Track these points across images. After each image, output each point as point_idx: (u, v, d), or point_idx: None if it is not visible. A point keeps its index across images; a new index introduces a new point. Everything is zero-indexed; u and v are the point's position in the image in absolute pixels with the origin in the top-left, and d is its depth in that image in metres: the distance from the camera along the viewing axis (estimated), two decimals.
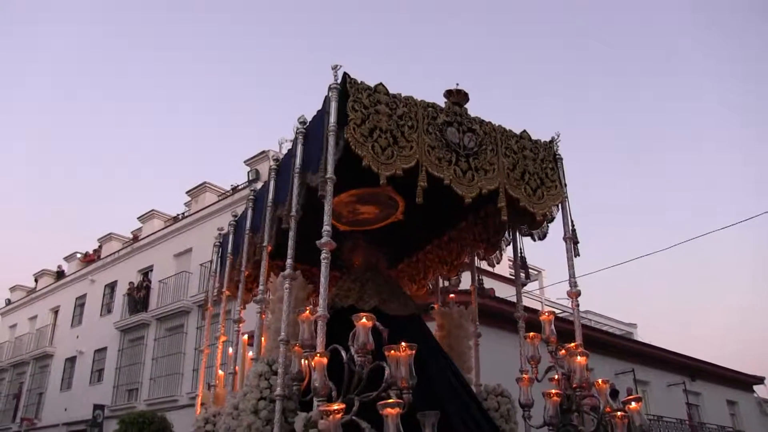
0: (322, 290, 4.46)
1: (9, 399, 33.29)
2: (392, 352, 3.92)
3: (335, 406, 3.58)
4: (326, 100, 5.20)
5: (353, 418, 3.87)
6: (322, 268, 4.57)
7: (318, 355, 3.92)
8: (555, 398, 5.33)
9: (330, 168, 4.78)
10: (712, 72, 78.78)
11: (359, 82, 5.17)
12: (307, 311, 4.51)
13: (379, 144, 4.99)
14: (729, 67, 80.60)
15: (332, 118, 4.93)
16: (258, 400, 5.10)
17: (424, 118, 5.41)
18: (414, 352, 3.82)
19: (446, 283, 8.11)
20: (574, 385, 5.40)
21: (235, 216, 7.99)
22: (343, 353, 4.12)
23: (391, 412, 3.40)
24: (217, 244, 8.54)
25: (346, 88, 5.08)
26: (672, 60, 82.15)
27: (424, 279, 7.85)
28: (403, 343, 3.83)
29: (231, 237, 7.74)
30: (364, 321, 3.99)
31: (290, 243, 5.34)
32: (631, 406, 5.27)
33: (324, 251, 4.61)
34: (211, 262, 8.70)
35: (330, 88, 5.07)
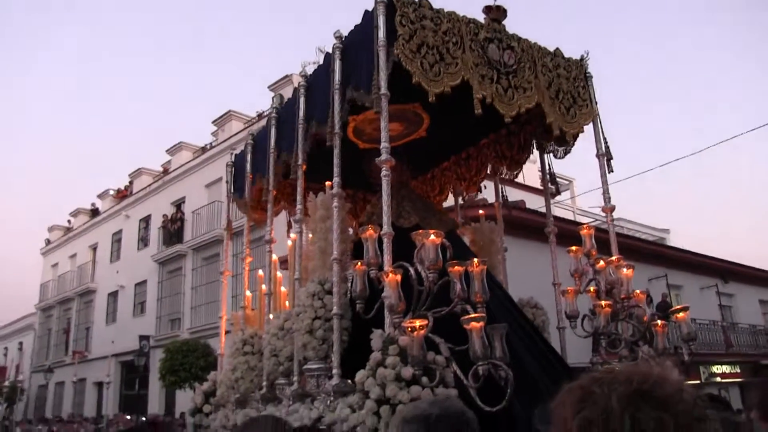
0: (385, 207, 4.24)
1: (59, 334, 34.01)
2: (456, 267, 3.75)
3: (418, 323, 3.42)
4: (367, 15, 4.90)
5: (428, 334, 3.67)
6: (384, 185, 4.32)
7: (391, 272, 3.72)
8: (606, 309, 5.17)
9: (383, 84, 4.46)
10: None
11: None
12: (370, 229, 4.30)
13: (427, 60, 4.68)
14: None
15: (381, 33, 4.59)
16: (313, 320, 5.01)
17: (467, 34, 5.09)
18: (486, 267, 3.72)
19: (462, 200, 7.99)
20: (622, 296, 5.28)
21: (253, 135, 7.59)
22: (411, 270, 3.93)
23: (475, 326, 3.25)
24: (230, 163, 8.13)
25: (392, 2, 4.71)
26: None
27: (440, 196, 7.64)
28: (475, 259, 3.67)
29: (249, 157, 7.34)
30: (432, 238, 3.79)
31: (335, 161, 5.12)
32: (678, 316, 5.26)
33: (384, 168, 4.37)
34: (226, 182, 8.23)
35: (377, 2, 4.70)
